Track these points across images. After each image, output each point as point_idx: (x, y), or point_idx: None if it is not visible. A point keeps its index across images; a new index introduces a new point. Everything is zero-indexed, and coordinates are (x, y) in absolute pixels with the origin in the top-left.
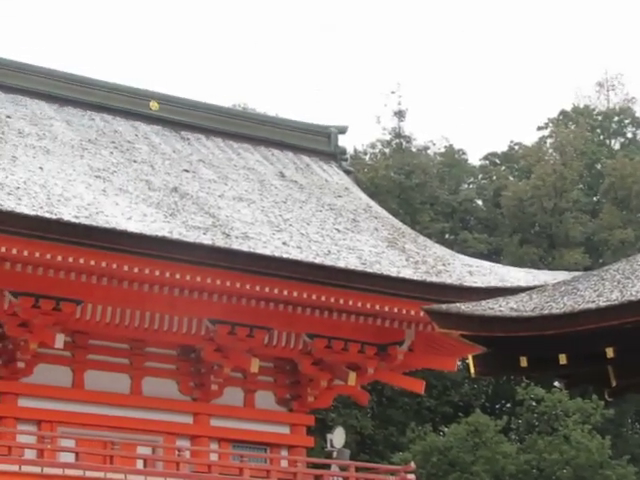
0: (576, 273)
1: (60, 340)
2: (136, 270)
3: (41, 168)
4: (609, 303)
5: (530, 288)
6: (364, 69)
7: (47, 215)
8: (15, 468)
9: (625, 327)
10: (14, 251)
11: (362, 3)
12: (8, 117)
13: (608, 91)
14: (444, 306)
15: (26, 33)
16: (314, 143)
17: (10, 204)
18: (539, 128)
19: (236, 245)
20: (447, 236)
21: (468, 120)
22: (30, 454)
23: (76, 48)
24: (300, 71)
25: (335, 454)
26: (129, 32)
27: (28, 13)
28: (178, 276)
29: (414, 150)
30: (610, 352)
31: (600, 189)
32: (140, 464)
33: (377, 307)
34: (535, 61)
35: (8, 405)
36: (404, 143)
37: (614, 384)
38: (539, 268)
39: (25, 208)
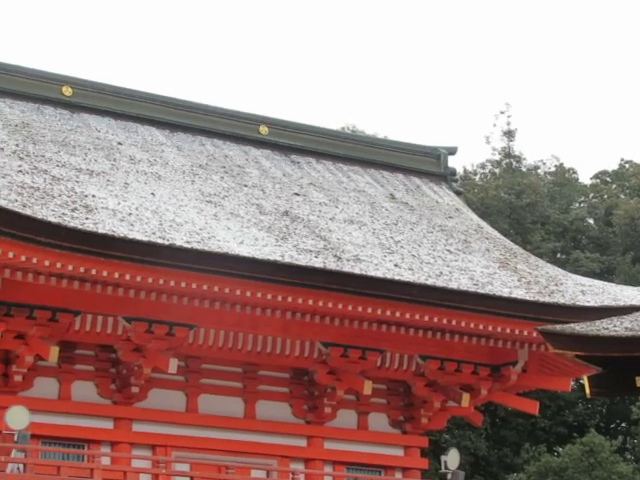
0: None
1: (174, 365)
2: (248, 294)
3: (153, 194)
4: None
5: None
6: (473, 89)
7: (159, 241)
8: None
9: None
10: (127, 277)
11: (470, 24)
12: (120, 144)
13: None
14: (558, 326)
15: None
16: (424, 164)
17: (123, 230)
18: None
19: (348, 268)
20: (559, 255)
21: (578, 139)
22: (145, 479)
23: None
24: (409, 91)
25: (449, 476)
26: (236, 56)
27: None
28: (290, 299)
29: (524, 170)
30: None
31: None
32: None
33: (490, 328)
34: None
35: (123, 430)
36: (514, 163)
37: None
38: None
39: (138, 234)
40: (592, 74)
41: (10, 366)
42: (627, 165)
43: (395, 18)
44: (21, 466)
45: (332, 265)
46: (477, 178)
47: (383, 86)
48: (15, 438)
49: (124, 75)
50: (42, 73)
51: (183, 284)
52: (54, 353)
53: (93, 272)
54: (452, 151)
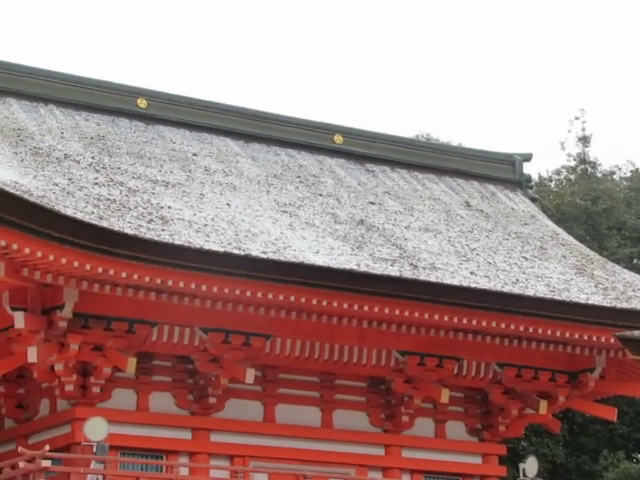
0: None
1: (251, 375)
2: (324, 303)
3: (228, 204)
4: None
5: None
6: (547, 95)
7: (236, 251)
8: None
9: None
10: (204, 287)
11: (545, 29)
12: (195, 155)
13: None
14: (637, 332)
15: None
16: (499, 171)
17: (199, 241)
18: None
19: (424, 276)
20: (635, 261)
21: None
22: None
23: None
24: (483, 98)
25: None
26: (309, 65)
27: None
28: (367, 308)
29: (599, 175)
30: None
31: None
32: None
33: (567, 335)
34: None
35: (201, 440)
36: (589, 169)
37: None
38: None
39: (214, 245)
40: None
41: (88, 378)
42: None
43: (469, 25)
44: (100, 477)
45: (408, 274)
46: (552, 184)
47: (457, 93)
48: (94, 449)
49: (197, 85)
50: (117, 86)
51: (259, 294)
52: (132, 364)
53: (169, 283)
54: (527, 158)
